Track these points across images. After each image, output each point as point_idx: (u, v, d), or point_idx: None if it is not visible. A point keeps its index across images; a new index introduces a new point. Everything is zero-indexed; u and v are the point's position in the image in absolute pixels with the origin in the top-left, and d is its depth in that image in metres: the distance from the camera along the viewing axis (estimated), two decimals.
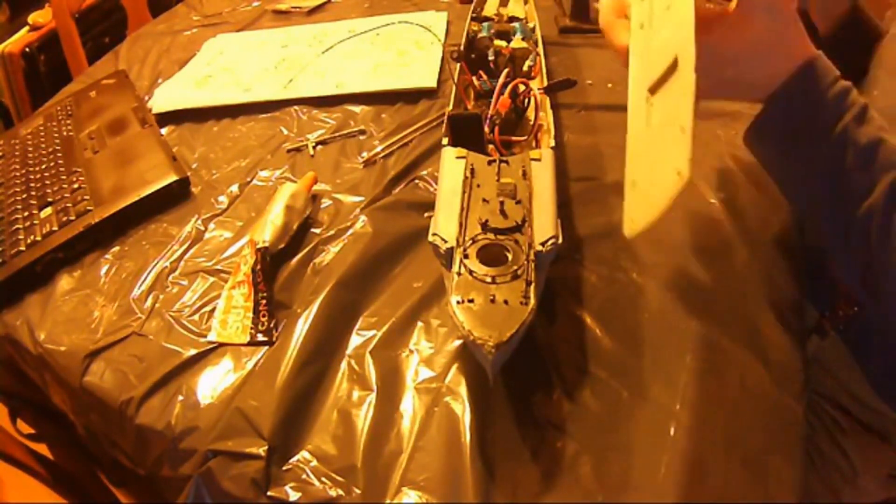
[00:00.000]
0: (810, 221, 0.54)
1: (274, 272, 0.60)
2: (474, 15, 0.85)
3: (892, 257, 0.45)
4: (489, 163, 0.53)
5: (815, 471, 0.63)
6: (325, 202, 0.69)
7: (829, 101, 0.46)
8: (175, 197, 0.72)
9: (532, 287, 0.42)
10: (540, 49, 0.75)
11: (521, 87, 0.66)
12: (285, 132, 0.81)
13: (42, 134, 0.84)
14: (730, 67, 0.47)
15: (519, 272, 0.43)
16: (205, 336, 0.55)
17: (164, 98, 0.90)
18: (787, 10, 0.46)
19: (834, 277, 0.61)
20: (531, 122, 0.66)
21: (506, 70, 0.67)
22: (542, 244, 0.45)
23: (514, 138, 0.66)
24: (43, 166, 0.77)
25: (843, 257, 0.50)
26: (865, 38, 0.73)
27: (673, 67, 0.38)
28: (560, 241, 0.47)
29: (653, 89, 0.40)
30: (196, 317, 0.57)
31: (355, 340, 0.54)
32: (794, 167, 0.50)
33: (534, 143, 0.65)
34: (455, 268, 0.44)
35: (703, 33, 0.45)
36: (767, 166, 0.52)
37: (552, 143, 0.58)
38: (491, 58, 0.72)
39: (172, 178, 0.71)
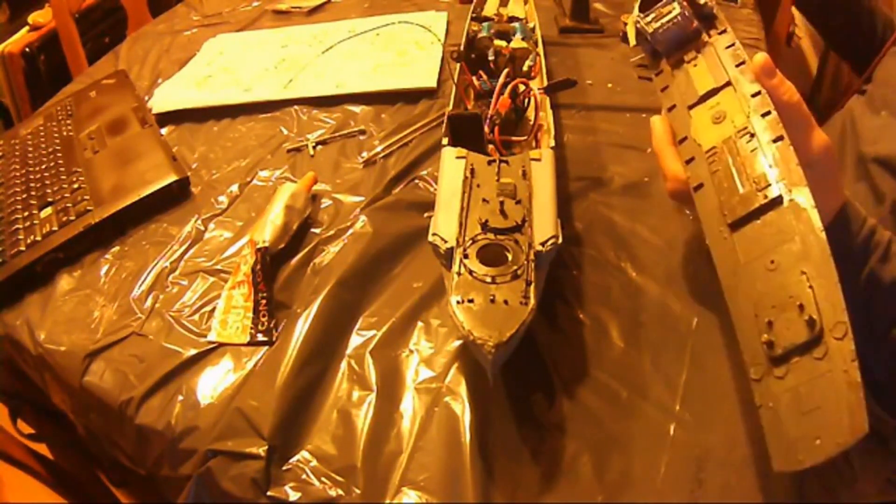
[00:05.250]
0: None
1: (274, 272, 0.60)
2: (474, 15, 0.85)
3: None
4: (489, 163, 0.53)
5: (814, 472, 0.63)
6: (325, 202, 0.69)
7: (858, 248, 0.49)
8: (175, 197, 0.72)
9: (532, 287, 0.42)
10: (540, 49, 0.75)
11: (521, 87, 0.66)
12: (285, 132, 0.81)
13: (42, 134, 0.84)
14: None
15: (519, 272, 0.43)
16: (205, 336, 0.55)
17: (164, 98, 0.90)
18: (826, 164, 0.48)
19: None
20: (531, 122, 0.66)
21: (506, 70, 0.67)
22: (542, 244, 0.45)
23: (514, 138, 0.66)
24: (43, 166, 0.77)
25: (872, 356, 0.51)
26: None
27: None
28: (560, 241, 0.47)
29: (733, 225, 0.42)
30: (196, 317, 0.57)
31: (355, 340, 0.54)
32: None
33: (534, 143, 0.65)
34: (455, 268, 0.44)
35: None
36: None
37: (552, 143, 0.58)
38: (491, 58, 0.72)
39: (172, 178, 0.71)
